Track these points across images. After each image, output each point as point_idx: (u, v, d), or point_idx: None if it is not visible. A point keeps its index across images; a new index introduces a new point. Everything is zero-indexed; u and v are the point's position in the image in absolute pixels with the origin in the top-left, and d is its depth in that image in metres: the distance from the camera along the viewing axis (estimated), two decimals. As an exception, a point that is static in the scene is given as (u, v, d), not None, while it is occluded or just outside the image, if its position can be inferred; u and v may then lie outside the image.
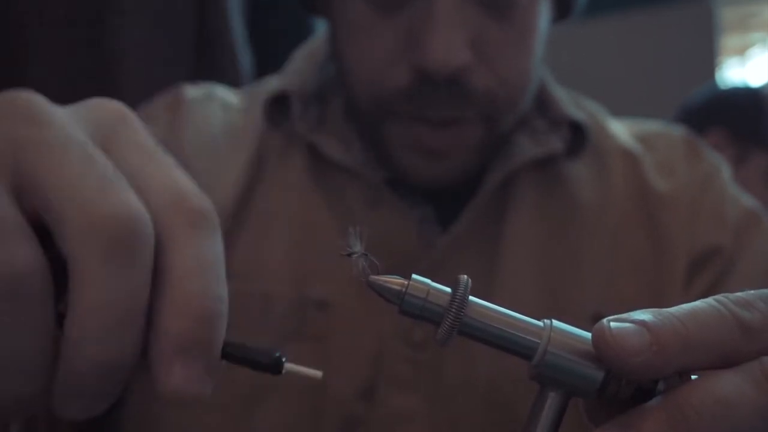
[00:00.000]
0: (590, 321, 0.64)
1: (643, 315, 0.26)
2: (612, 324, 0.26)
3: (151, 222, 0.26)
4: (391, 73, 0.56)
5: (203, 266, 0.27)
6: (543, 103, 0.66)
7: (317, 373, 0.28)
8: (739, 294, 0.27)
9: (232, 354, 0.28)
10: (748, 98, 1.52)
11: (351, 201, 0.62)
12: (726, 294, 0.27)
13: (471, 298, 0.27)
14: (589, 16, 0.72)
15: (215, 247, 0.28)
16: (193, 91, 0.67)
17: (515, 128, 0.63)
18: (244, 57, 0.98)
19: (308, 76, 0.65)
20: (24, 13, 0.84)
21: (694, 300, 0.27)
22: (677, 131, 0.70)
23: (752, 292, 0.27)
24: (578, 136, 0.64)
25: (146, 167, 0.28)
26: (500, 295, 0.60)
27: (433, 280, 0.28)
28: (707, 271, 0.62)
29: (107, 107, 0.29)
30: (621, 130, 0.69)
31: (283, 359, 0.28)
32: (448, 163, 0.59)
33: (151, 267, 0.26)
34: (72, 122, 0.27)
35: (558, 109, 0.65)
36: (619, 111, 0.75)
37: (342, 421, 0.58)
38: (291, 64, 0.68)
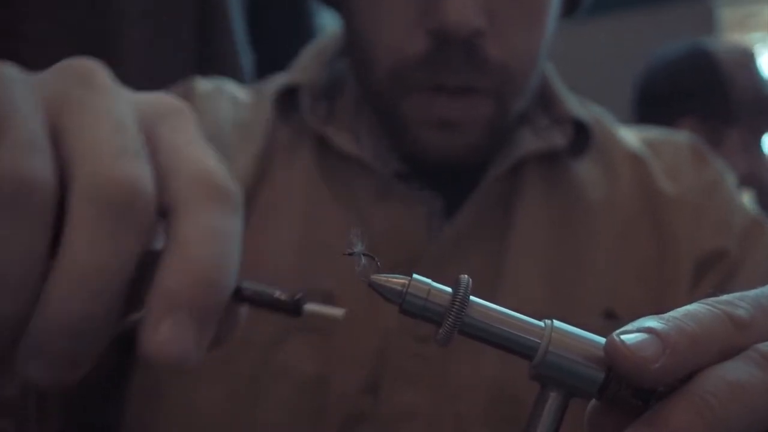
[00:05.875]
0: (601, 316, 0.64)
1: (648, 322, 0.27)
2: (623, 336, 0.26)
3: (155, 197, 0.27)
4: (409, 41, 0.57)
5: (213, 235, 0.27)
6: (547, 100, 0.67)
7: (338, 312, 0.28)
8: (720, 297, 0.28)
9: (248, 296, 0.28)
10: (709, 77, 1.45)
11: (359, 194, 0.63)
12: (708, 298, 0.28)
13: (472, 297, 0.27)
14: (589, 16, 0.72)
15: (231, 223, 0.28)
16: (204, 84, 0.68)
17: (519, 122, 0.64)
18: (246, 55, 0.98)
19: (317, 72, 0.66)
20: (24, 8, 0.84)
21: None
22: (683, 138, 0.72)
23: (730, 294, 0.28)
24: (582, 135, 0.65)
25: (183, 150, 0.28)
26: (507, 288, 0.60)
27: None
28: (714, 272, 0.63)
29: (168, 99, 0.31)
30: (628, 134, 0.71)
31: (304, 301, 0.28)
32: (461, 137, 0.60)
33: (146, 242, 0.27)
34: (123, 97, 0.28)
35: (561, 107, 0.66)
36: (619, 111, 0.75)
37: (346, 416, 0.58)
38: (299, 61, 0.68)
